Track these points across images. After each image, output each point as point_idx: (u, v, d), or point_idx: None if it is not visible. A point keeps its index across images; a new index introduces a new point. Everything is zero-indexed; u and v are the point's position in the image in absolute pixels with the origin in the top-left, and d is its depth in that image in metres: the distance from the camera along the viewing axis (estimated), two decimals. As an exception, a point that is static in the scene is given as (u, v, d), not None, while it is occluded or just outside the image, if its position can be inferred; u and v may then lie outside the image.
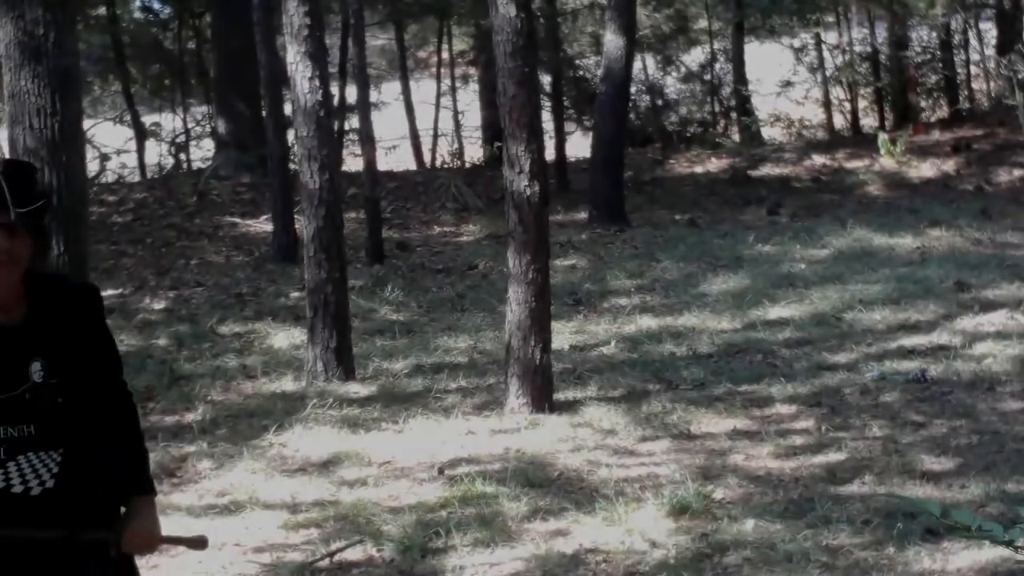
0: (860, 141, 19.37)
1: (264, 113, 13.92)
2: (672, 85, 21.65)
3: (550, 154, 16.47)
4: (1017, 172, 17.07)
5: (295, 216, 12.64)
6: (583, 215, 15.17)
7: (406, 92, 20.29)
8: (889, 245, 13.01)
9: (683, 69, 21.60)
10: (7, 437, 3.29)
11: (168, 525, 6.57)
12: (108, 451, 3.47)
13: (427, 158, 20.55)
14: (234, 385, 9.23)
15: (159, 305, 11.84)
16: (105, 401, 3.50)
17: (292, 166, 13.16)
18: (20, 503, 3.31)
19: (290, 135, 12.32)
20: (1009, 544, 2.56)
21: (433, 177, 17.62)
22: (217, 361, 9.85)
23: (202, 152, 19.97)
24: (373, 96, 18.79)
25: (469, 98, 21.38)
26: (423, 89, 21.81)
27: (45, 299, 3.42)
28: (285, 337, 10.37)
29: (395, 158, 20.01)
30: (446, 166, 20.11)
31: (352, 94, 16.48)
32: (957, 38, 21.15)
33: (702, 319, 10.57)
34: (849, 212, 15.12)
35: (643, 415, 8.12)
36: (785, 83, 21.41)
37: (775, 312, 10.63)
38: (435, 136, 20.87)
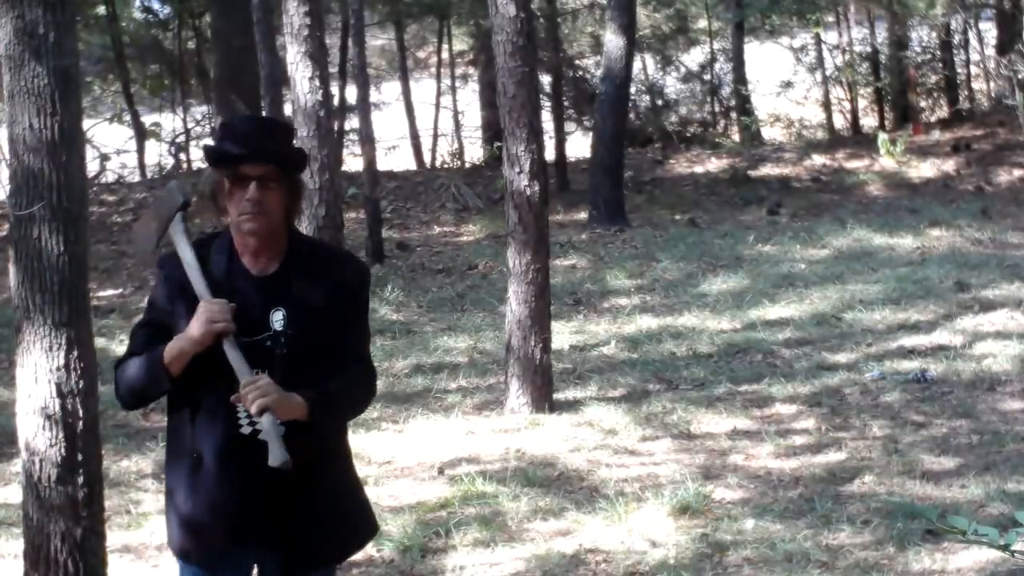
0: (860, 141, 19.37)
1: (264, 113, 13.91)
2: (672, 85, 21.63)
3: (550, 154, 16.46)
4: (1017, 172, 17.07)
5: (295, 216, 12.62)
6: (583, 215, 15.17)
7: (406, 92, 20.28)
8: (889, 245, 13.01)
9: (683, 69, 21.58)
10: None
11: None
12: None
13: (427, 158, 20.54)
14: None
15: (159, 305, 11.82)
16: (343, 368, 3.55)
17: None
18: (247, 444, 3.45)
19: (290, 135, 12.31)
20: (1004, 548, 2.55)
21: (433, 177, 17.62)
22: (217, 361, 9.83)
23: (202, 152, 19.94)
24: (373, 96, 18.78)
25: (469, 98, 21.37)
26: (423, 89, 21.80)
27: (303, 257, 3.56)
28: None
29: (395, 158, 20.00)
30: (446, 166, 20.10)
31: (352, 94, 16.48)
32: (957, 38, 21.14)
33: (702, 319, 10.57)
34: (849, 212, 15.12)
35: (643, 415, 8.12)
36: (785, 83, 21.40)
37: (775, 312, 10.63)
38: (435, 136, 20.86)
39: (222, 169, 3.52)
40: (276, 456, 3.38)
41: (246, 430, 3.46)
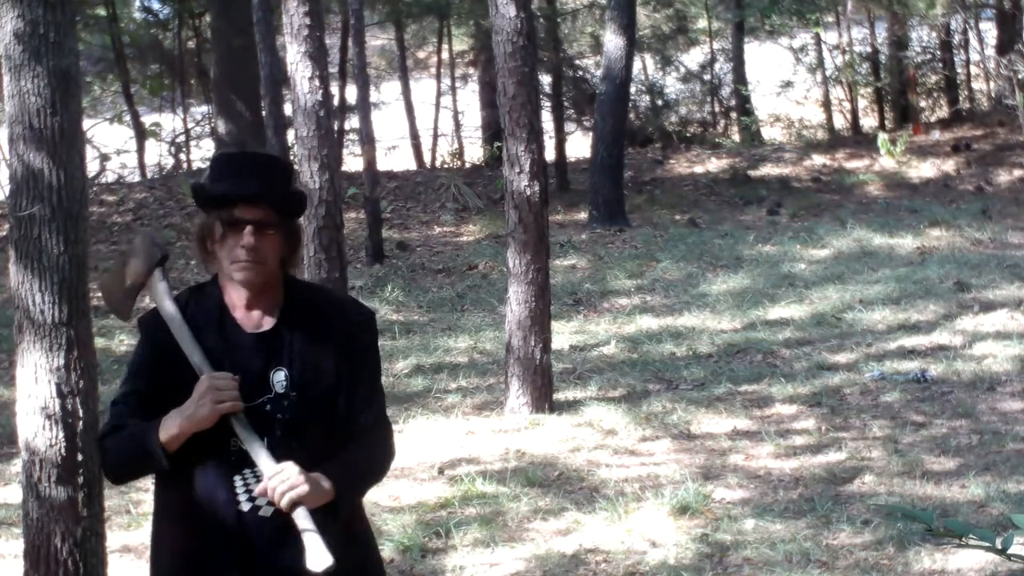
0: (860, 141, 19.37)
1: (264, 113, 13.91)
2: (672, 85, 21.64)
3: (550, 154, 16.46)
4: (1017, 172, 17.07)
5: (295, 216, 12.63)
6: (583, 215, 15.17)
7: (406, 92, 20.29)
8: (889, 245, 13.01)
9: (683, 69, 21.59)
10: (238, 449, 3.11)
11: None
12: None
13: (427, 158, 20.54)
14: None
15: (159, 305, 11.83)
16: (354, 434, 3.21)
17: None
18: (247, 521, 3.13)
19: (290, 135, 12.31)
20: (1001, 552, 2.55)
21: (433, 177, 17.62)
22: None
23: (202, 152, 19.96)
24: (373, 96, 18.79)
25: (469, 98, 21.37)
26: (423, 89, 21.81)
27: (301, 308, 3.23)
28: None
29: (395, 158, 20.01)
30: (446, 166, 20.10)
31: (352, 94, 16.48)
32: (957, 38, 21.15)
33: (702, 319, 10.57)
34: (849, 212, 15.12)
35: (643, 415, 8.12)
36: (785, 83, 21.40)
37: (775, 312, 10.63)
38: (435, 136, 20.87)
39: (213, 211, 3.19)
40: (319, 559, 3.01)
41: (246, 507, 3.13)
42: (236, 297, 3.21)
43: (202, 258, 3.25)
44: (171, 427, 3.11)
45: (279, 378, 3.16)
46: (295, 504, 3.02)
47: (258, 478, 3.09)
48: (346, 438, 3.19)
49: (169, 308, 3.22)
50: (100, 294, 3.52)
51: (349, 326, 3.25)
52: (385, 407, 3.34)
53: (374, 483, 3.34)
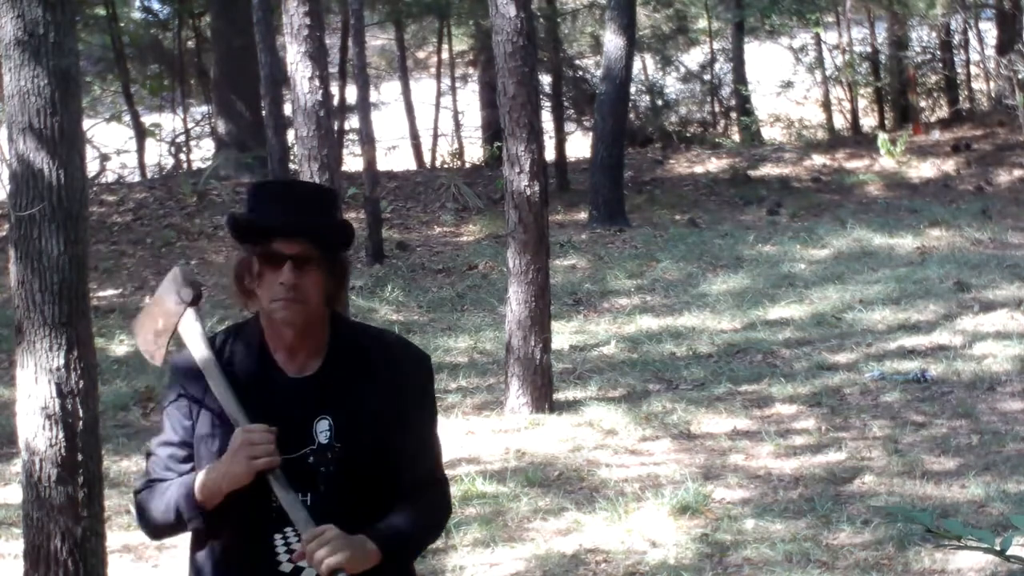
0: (860, 141, 19.36)
1: (264, 113, 13.91)
2: (672, 85, 21.64)
3: (550, 154, 16.45)
4: (1017, 172, 17.06)
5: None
6: (583, 215, 15.16)
7: (406, 92, 20.28)
8: (889, 245, 13.00)
9: (683, 69, 21.58)
10: (279, 506, 2.86)
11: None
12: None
13: (427, 158, 20.54)
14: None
15: (159, 305, 11.82)
16: (406, 489, 2.93)
17: (292, 166, 13.15)
18: None
19: (290, 135, 12.31)
20: (1000, 553, 2.55)
21: (433, 177, 17.61)
22: (217, 361, 9.84)
23: (202, 152, 19.96)
24: (373, 96, 18.78)
25: (469, 98, 21.37)
26: (423, 89, 21.80)
27: (348, 351, 2.95)
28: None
29: (395, 158, 20.00)
30: (446, 166, 20.10)
31: (352, 94, 16.48)
32: (957, 38, 21.14)
33: (702, 319, 10.57)
34: (849, 212, 15.11)
35: (643, 415, 8.12)
36: (785, 83, 21.40)
37: (775, 312, 10.62)
38: (435, 136, 20.86)
39: (250, 245, 2.93)
40: None
41: (287, 567, 2.90)
42: (277, 338, 2.94)
43: (239, 296, 3.00)
44: (207, 484, 2.88)
45: (322, 427, 2.90)
46: (335, 571, 2.79)
47: (300, 537, 2.86)
48: (397, 494, 2.92)
49: (203, 353, 2.97)
50: (133, 337, 3.23)
51: (401, 370, 2.97)
52: (441, 459, 3.05)
53: (427, 545, 3.08)
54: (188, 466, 2.94)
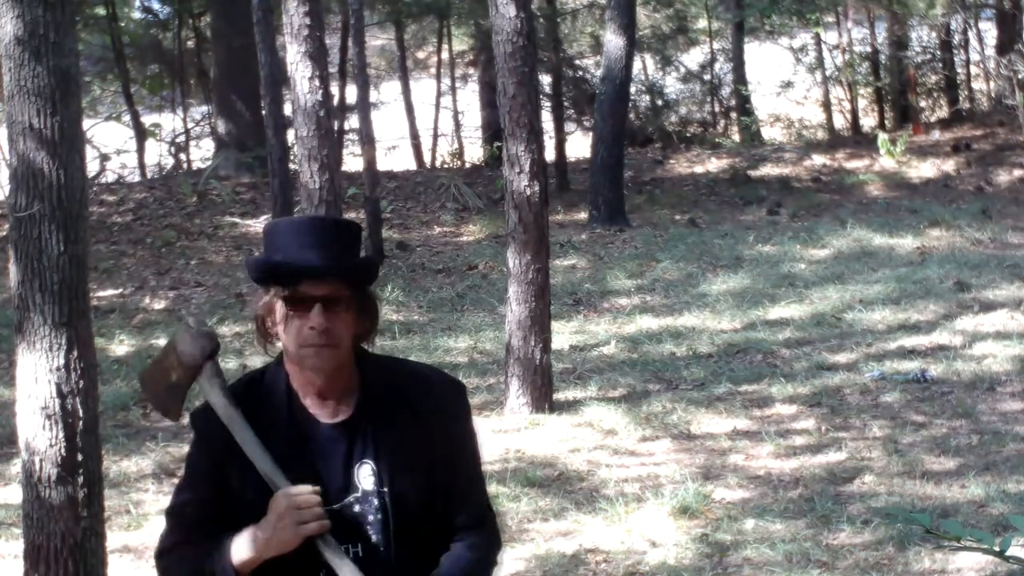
0: (860, 141, 19.36)
1: (264, 113, 13.91)
2: (672, 85, 21.64)
3: (550, 154, 16.45)
4: (1017, 172, 17.06)
5: (295, 216, 12.64)
6: (583, 215, 15.16)
7: (406, 92, 20.28)
8: (889, 245, 13.00)
9: (683, 69, 21.58)
10: (325, 561, 2.71)
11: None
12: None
13: (427, 158, 20.54)
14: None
15: (159, 305, 11.84)
16: (457, 530, 2.82)
17: (292, 166, 13.15)
18: None
19: (290, 135, 12.31)
20: (999, 554, 2.55)
21: (433, 177, 17.61)
22: (217, 361, 9.84)
23: (202, 152, 19.96)
24: (373, 96, 18.78)
25: (469, 98, 21.37)
26: (423, 89, 21.80)
27: (382, 389, 2.81)
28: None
29: (395, 158, 20.00)
30: (446, 166, 20.10)
31: (352, 94, 16.48)
32: (957, 38, 21.14)
33: (702, 319, 10.57)
34: (849, 212, 15.11)
35: (643, 415, 8.12)
36: (785, 83, 21.40)
37: (775, 312, 10.62)
38: (435, 136, 20.86)
39: (273, 288, 2.77)
40: None
41: None
42: (306, 384, 2.78)
43: (261, 340, 2.85)
44: (246, 551, 2.71)
45: (365, 473, 2.75)
46: None
47: None
48: (449, 534, 2.81)
49: (228, 409, 2.77)
50: (142, 391, 3.01)
51: (439, 405, 2.82)
52: (487, 493, 2.94)
53: None
54: (215, 527, 2.76)
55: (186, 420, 2.97)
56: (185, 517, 2.82)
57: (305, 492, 2.69)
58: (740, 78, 20.73)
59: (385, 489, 2.75)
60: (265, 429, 2.75)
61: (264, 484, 2.73)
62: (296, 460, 2.73)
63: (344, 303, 2.74)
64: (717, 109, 21.68)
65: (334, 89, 16.25)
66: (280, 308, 2.76)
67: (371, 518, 2.75)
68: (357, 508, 2.75)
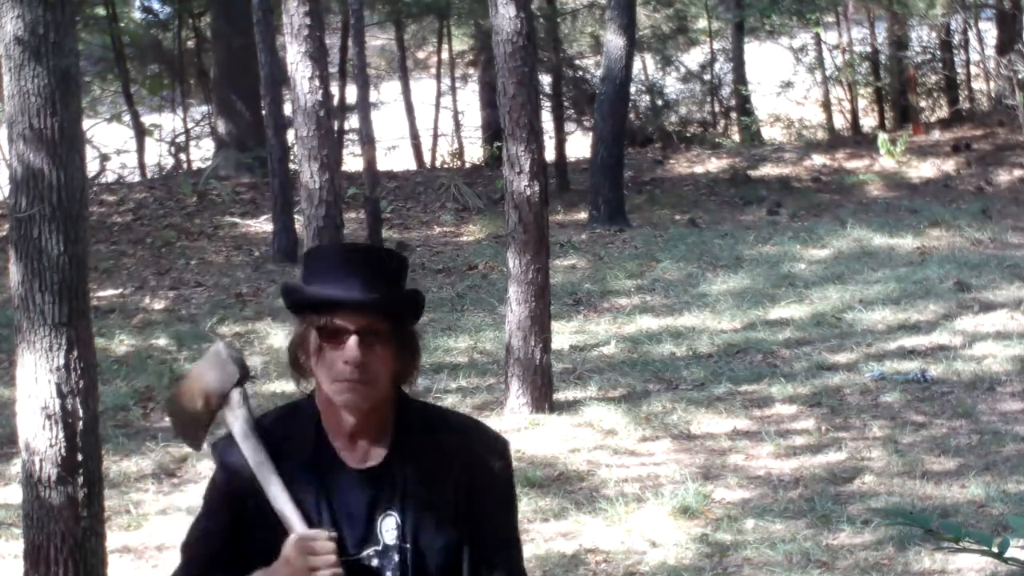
0: (860, 141, 19.36)
1: (264, 113, 13.92)
2: (672, 85, 21.64)
3: (550, 154, 16.45)
4: (1017, 172, 17.06)
5: (295, 216, 12.64)
6: (583, 215, 15.17)
7: (406, 92, 20.28)
8: (889, 245, 13.00)
9: (683, 69, 21.58)
10: None
11: (168, 525, 6.60)
12: None
13: (427, 158, 20.54)
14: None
15: (159, 305, 11.84)
16: None
17: (292, 166, 13.15)
18: None
19: (290, 135, 12.31)
20: (998, 556, 2.55)
21: (433, 177, 17.62)
22: (217, 361, 9.83)
23: (202, 152, 19.97)
24: (373, 96, 18.78)
25: (469, 98, 21.37)
26: (423, 89, 21.81)
27: (417, 437, 2.63)
28: (285, 337, 10.36)
29: (395, 158, 20.00)
30: (446, 166, 20.10)
31: (352, 94, 16.48)
32: (957, 38, 21.14)
33: (702, 319, 10.57)
34: (849, 212, 15.11)
35: (643, 415, 8.12)
36: (785, 83, 21.40)
37: (775, 312, 10.62)
38: (435, 136, 20.86)
39: (308, 317, 2.59)
40: None
41: None
42: (337, 423, 2.60)
43: (295, 373, 2.65)
44: None
45: (388, 526, 2.58)
46: None
47: None
48: None
49: (251, 442, 2.62)
50: (167, 417, 2.86)
51: (479, 459, 2.66)
52: (522, 557, 2.73)
53: None
54: (229, 564, 2.63)
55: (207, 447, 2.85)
56: (199, 553, 2.68)
57: (321, 538, 2.52)
58: (740, 78, 20.73)
59: (408, 545, 2.57)
60: (288, 468, 2.59)
61: (281, 525, 2.58)
62: (317, 504, 2.58)
63: (382, 337, 2.55)
64: (717, 109, 21.68)
65: (334, 89, 16.25)
66: (314, 339, 2.58)
67: (389, 574, 2.58)
68: (376, 562, 2.58)
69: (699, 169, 18.20)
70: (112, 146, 19.84)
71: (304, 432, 2.62)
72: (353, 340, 2.52)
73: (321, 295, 2.56)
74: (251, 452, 2.61)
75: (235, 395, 2.67)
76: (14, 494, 6.48)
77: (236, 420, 2.65)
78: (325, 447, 2.61)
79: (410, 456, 2.60)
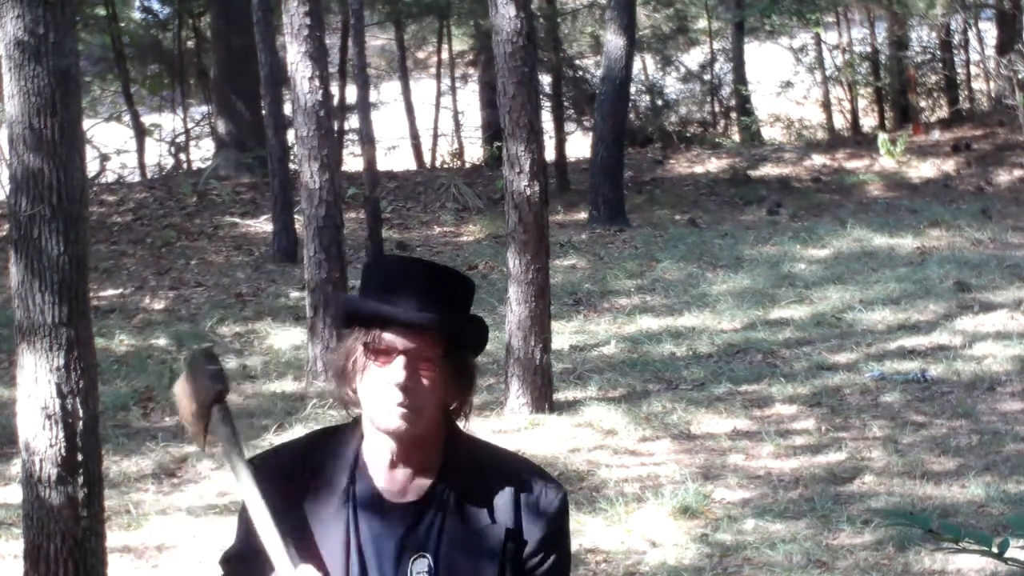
0: (860, 141, 19.36)
1: (264, 113, 13.92)
2: (672, 85, 21.64)
3: (550, 154, 16.45)
4: (1017, 172, 17.06)
5: (295, 216, 12.64)
6: (583, 215, 15.17)
7: (406, 92, 20.28)
8: (889, 245, 13.00)
9: (683, 69, 21.59)
10: None
11: (168, 525, 6.60)
12: None
13: (427, 158, 20.54)
14: (234, 385, 9.21)
15: (159, 305, 11.84)
16: None
17: (292, 166, 13.15)
18: None
19: (290, 135, 12.31)
20: (998, 556, 2.55)
21: (433, 177, 17.62)
22: (217, 361, 9.83)
23: (202, 152, 19.97)
24: (373, 96, 18.78)
25: (469, 98, 21.37)
26: (423, 89, 21.81)
27: (464, 476, 2.39)
28: (285, 337, 10.37)
29: (395, 158, 20.01)
30: (446, 166, 20.10)
31: (352, 94, 16.48)
32: (957, 38, 21.14)
33: (702, 319, 10.57)
34: (849, 212, 15.11)
35: (643, 415, 8.12)
36: (785, 83, 21.40)
37: (775, 312, 10.62)
38: (435, 136, 20.87)
39: (358, 331, 2.37)
40: None
41: None
42: (377, 451, 2.38)
43: (340, 395, 2.42)
44: None
45: (420, 568, 2.34)
46: None
47: None
48: None
49: (235, 466, 2.43)
50: (175, 404, 2.64)
51: (529, 507, 2.39)
52: None
53: None
54: (264, 571, 2.43)
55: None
56: (233, 566, 2.52)
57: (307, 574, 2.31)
58: (740, 78, 20.73)
59: None
60: (321, 495, 2.38)
61: (311, 534, 2.38)
62: (343, 538, 2.36)
63: (433, 363, 2.33)
64: (717, 109, 21.68)
65: (334, 89, 16.26)
66: (360, 357, 2.36)
67: None
68: None
69: (699, 169, 18.20)
70: (112, 146, 19.84)
71: (342, 458, 2.41)
72: (400, 361, 2.31)
73: (368, 308, 2.36)
74: (238, 475, 2.42)
75: (215, 414, 2.50)
76: (14, 494, 6.48)
77: (220, 441, 2.48)
78: (363, 476, 2.40)
79: (454, 496, 2.37)
